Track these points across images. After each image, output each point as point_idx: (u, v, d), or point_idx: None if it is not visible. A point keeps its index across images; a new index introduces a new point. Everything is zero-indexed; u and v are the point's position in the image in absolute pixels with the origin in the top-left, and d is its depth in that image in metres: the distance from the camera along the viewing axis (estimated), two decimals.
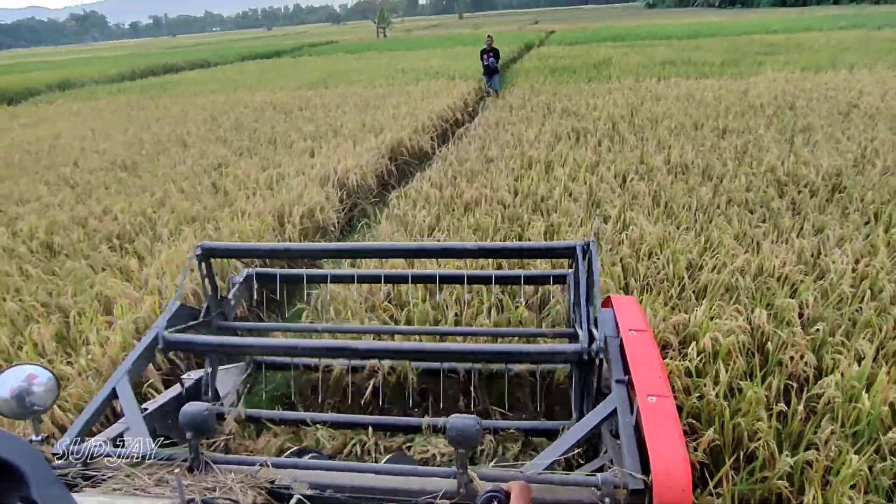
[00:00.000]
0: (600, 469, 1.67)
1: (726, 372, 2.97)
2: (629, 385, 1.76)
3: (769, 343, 3.28)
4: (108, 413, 2.48)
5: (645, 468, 1.49)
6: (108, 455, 1.62)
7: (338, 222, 5.45)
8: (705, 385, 2.89)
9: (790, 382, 3.02)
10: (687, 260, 4.26)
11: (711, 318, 3.44)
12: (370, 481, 1.56)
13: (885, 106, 8.79)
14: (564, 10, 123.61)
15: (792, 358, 3.15)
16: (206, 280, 2.55)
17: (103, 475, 1.55)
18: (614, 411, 1.70)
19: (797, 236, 4.56)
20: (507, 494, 1.09)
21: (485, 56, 12.58)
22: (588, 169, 6.46)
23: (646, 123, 8.53)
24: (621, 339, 1.98)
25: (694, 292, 3.94)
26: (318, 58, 26.42)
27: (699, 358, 3.07)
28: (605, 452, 1.86)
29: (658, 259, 4.33)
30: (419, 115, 9.59)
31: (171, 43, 75.70)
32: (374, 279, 2.96)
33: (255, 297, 2.81)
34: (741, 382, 2.93)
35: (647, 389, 1.64)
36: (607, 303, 2.28)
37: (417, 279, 2.95)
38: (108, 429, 1.93)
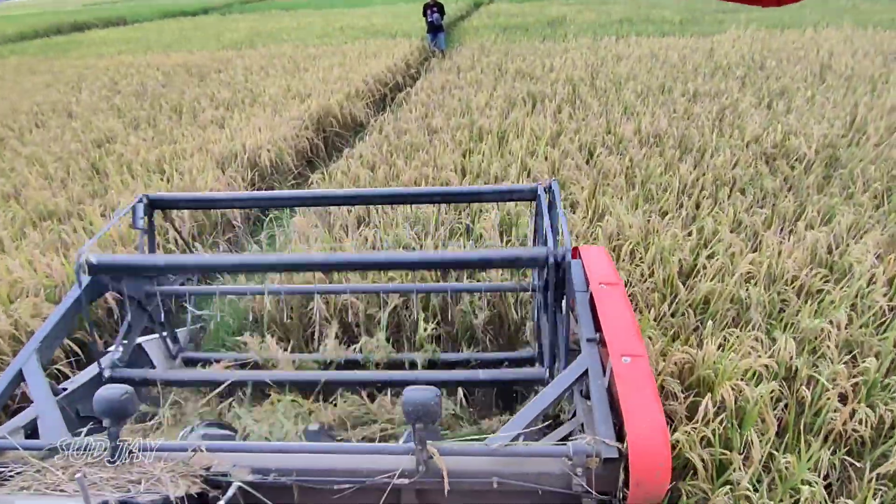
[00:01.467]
0: (570, 435, 1.55)
1: (760, 442, 2.11)
2: (601, 343, 1.63)
3: (802, 386, 2.44)
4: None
5: (619, 435, 1.37)
6: (15, 447, 1.43)
7: (240, 218, 4.30)
8: (736, 468, 2.02)
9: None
10: (679, 261, 3.39)
11: (720, 349, 2.58)
12: (320, 462, 1.42)
13: (858, 67, 8.14)
14: None
15: (837, 410, 2.32)
16: (147, 237, 2.40)
17: (10, 471, 1.36)
18: (585, 373, 1.58)
19: (805, 226, 3.75)
20: None
21: (428, 12, 11.29)
22: (548, 141, 5.49)
23: (609, 86, 7.60)
24: (591, 294, 1.80)
25: (691, 306, 3.07)
26: (251, 14, 24.14)
27: (718, 419, 2.19)
28: (575, 416, 1.68)
29: (643, 261, 3.43)
30: (353, 79, 8.34)
31: None
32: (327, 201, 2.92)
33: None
34: (781, 456, 2.08)
35: (620, 349, 1.50)
36: (575, 254, 2.08)
37: (378, 199, 2.85)
38: (16, 416, 1.71)
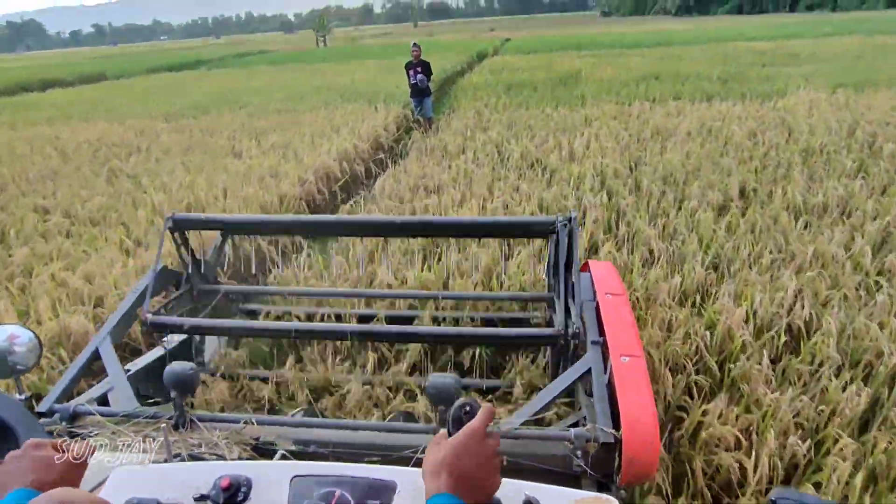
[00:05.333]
0: (575, 425, 1.60)
1: None
2: (603, 346, 1.76)
3: None
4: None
5: (616, 424, 1.47)
6: (93, 413, 1.58)
7: None
8: None
9: None
10: None
11: None
12: (353, 437, 1.56)
13: None
14: (520, 19, 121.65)
15: None
16: (182, 248, 2.53)
17: (89, 432, 1.51)
18: (589, 371, 1.71)
19: None
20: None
21: (411, 72, 8.94)
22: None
23: (663, 191, 5.02)
24: (597, 302, 1.94)
25: None
26: (234, 70, 22.37)
27: None
28: (580, 410, 1.80)
29: None
30: (289, 174, 5.83)
31: (99, 52, 69.74)
32: (356, 229, 3.05)
33: (231, 258, 2.97)
34: None
35: (620, 350, 1.63)
36: (585, 267, 2.21)
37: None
38: (91, 388, 1.87)
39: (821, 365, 2.70)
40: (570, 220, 2.21)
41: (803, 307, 3.02)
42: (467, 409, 0.85)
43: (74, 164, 7.25)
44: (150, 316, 2.21)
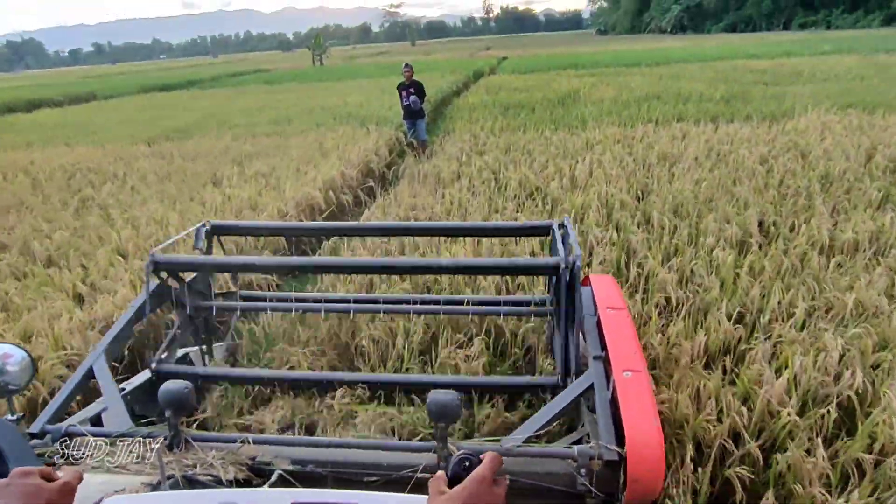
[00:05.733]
0: (578, 442, 1.62)
1: None
2: (605, 361, 1.73)
3: None
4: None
5: (620, 441, 1.43)
6: (85, 434, 1.55)
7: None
8: None
9: None
10: None
11: None
12: (351, 456, 1.53)
13: None
14: (516, 38, 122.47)
15: None
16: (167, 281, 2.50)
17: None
18: (591, 386, 1.67)
19: None
20: (480, 460, 0.87)
21: (403, 93, 8.57)
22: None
23: (676, 224, 4.60)
24: (598, 317, 1.92)
25: None
26: (225, 90, 22.07)
27: None
28: (583, 426, 1.77)
29: None
30: (268, 207, 5.40)
31: (95, 71, 69.82)
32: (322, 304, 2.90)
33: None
34: None
35: (622, 365, 1.60)
36: (586, 282, 2.20)
37: (389, 301, 2.85)
38: (85, 408, 1.85)
39: (882, 452, 2.25)
40: (563, 224, 2.35)
41: (853, 374, 2.57)
42: (466, 464, 0.80)
43: (45, 192, 6.82)
44: (154, 367, 2.24)
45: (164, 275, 2.37)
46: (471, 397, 2.56)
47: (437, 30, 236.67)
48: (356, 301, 2.82)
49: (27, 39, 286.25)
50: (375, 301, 2.81)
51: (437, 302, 2.79)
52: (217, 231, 2.68)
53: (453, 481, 0.78)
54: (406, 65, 8.61)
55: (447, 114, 12.68)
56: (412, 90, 8.54)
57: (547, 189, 5.80)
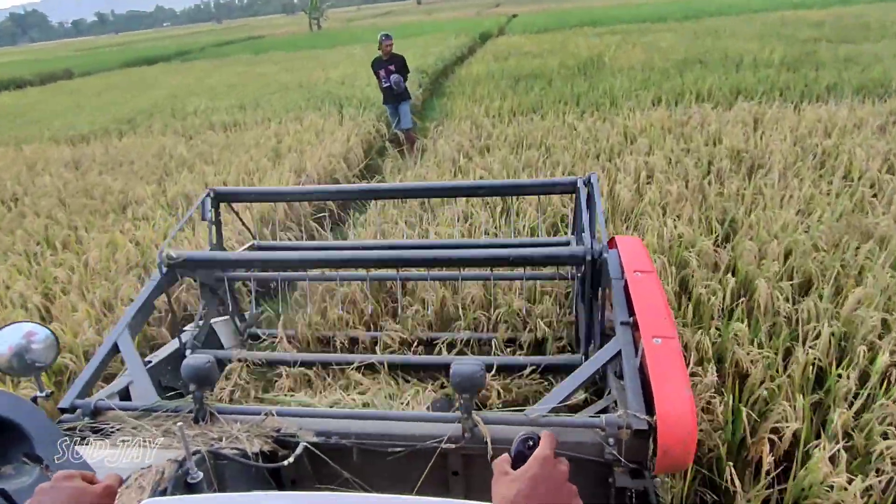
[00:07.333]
0: (605, 410, 1.58)
1: None
2: (634, 326, 1.67)
3: None
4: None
5: (649, 409, 1.38)
6: (113, 408, 1.57)
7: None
8: None
9: None
10: None
11: None
12: (375, 427, 1.50)
13: None
14: None
15: None
16: (214, 227, 2.54)
17: (111, 428, 1.48)
18: (619, 353, 1.62)
19: None
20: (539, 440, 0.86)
21: (382, 72, 6.62)
22: None
23: (787, 294, 2.74)
24: (626, 280, 1.80)
25: None
26: (205, 62, 20.02)
27: None
28: (609, 394, 1.74)
29: None
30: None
31: (97, 42, 67.65)
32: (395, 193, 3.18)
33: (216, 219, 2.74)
34: None
35: (652, 331, 1.51)
36: (612, 244, 2.06)
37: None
38: (112, 382, 1.87)
39: None
40: (589, 179, 2.24)
41: None
42: (530, 442, 0.78)
43: None
44: (168, 252, 2.15)
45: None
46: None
47: None
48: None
49: (30, 11, 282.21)
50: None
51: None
52: (221, 198, 2.58)
53: (517, 458, 0.76)
54: (386, 36, 6.62)
55: (446, 89, 10.65)
56: (392, 67, 6.59)
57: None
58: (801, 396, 2.24)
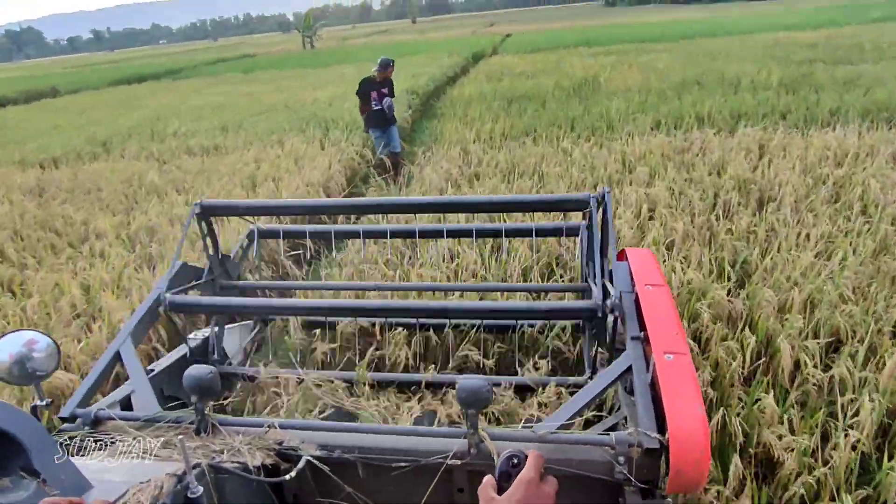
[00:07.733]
0: (614, 428, 1.55)
1: None
2: (644, 342, 1.63)
3: None
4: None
5: (661, 427, 1.34)
6: (114, 418, 1.55)
7: None
8: None
9: None
10: None
11: None
12: (379, 441, 1.47)
13: None
14: (521, 12, 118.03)
15: None
16: (207, 238, 2.42)
17: (111, 438, 1.44)
18: (629, 369, 1.57)
19: None
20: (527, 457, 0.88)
21: (374, 94, 6.29)
22: None
23: (813, 350, 2.38)
24: (637, 294, 1.77)
25: None
26: (195, 81, 19.75)
27: None
28: (619, 410, 1.69)
29: None
30: (112, 311, 3.24)
31: (91, 59, 67.63)
32: (380, 234, 2.93)
33: (258, 253, 2.79)
34: None
35: (663, 346, 1.48)
36: (622, 256, 2.06)
37: (425, 234, 2.76)
38: (114, 392, 1.81)
39: None
40: (603, 196, 2.09)
41: None
42: (515, 461, 0.78)
43: None
44: (167, 296, 2.10)
45: (186, 261, 2.34)
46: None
47: (439, 6, 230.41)
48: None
49: (26, 28, 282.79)
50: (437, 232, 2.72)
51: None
52: (209, 212, 2.38)
53: (502, 478, 0.75)
54: (391, 61, 6.33)
55: (437, 110, 10.37)
56: (385, 90, 6.28)
57: (574, 259, 3.60)
58: (847, 494, 1.87)
